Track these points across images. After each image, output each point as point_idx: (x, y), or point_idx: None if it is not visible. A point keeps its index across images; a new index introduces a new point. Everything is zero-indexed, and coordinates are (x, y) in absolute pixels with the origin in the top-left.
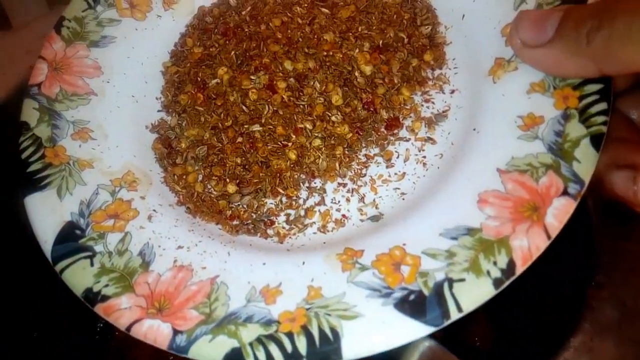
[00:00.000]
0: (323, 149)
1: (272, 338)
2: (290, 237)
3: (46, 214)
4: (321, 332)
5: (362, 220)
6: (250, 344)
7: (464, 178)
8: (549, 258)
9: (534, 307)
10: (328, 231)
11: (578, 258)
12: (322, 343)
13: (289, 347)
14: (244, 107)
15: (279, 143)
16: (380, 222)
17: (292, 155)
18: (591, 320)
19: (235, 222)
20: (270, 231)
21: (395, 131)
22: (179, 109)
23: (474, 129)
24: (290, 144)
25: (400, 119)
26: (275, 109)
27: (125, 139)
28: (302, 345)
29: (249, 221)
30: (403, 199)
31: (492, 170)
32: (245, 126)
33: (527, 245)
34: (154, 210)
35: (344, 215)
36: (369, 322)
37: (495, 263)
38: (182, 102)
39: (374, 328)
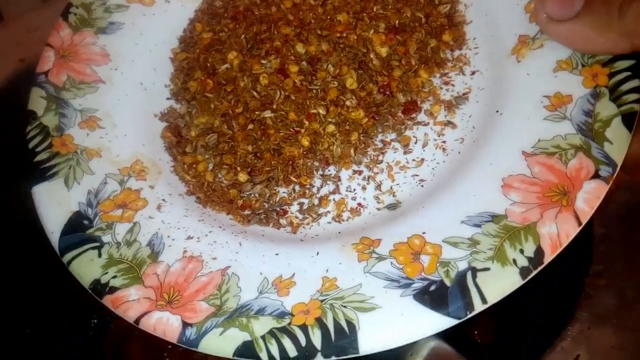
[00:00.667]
0: (337, 135)
1: (285, 331)
2: (303, 227)
3: (53, 204)
4: (337, 325)
5: (378, 209)
6: (263, 337)
7: (487, 162)
8: None
9: (531, 297)
10: (343, 220)
11: (576, 247)
12: (338, 336)
13: (303, 341)
14: (254, 93)
15: (291, 129)
16: (398, 210)
17: (305, 142)
18: (589, 309)
19: (246, 212)
20: (282, 221)
21: (413, 115)
22: (189, 96)
23: (497, 111)
24: (303, 130)
25: (419, 103)
26: (287, 94)
27: (133, 128)
28: (316, 338)
29: (261, 211)
30: (422, 186)
31: (517, 154)
32: (257, 112)
33: (557, 232)
34: (163, 200)
35: (359, 204)
36: (386, 314)
37: (522, 251)
38: (191, 89)
39: (392, 320)
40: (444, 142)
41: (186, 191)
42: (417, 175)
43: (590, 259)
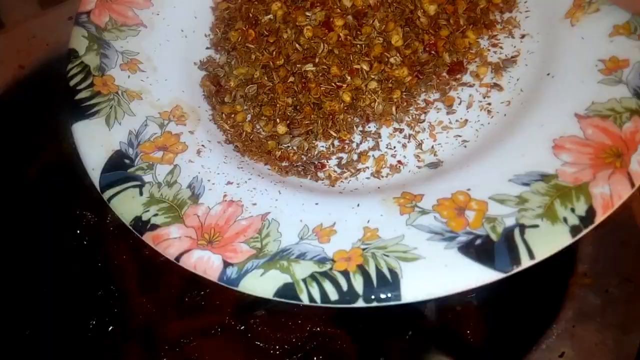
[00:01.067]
0: (379, 92)
1: (327, 275)
2: (341, 181)
3: (94, 142)
4: (379, 272)
5: (419, 167)
6: (304, 280)
7: (537, 124)
8: None
9: (518, 296)
10: (382, 177)
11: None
12: (380, 283)
13: (344, 286)
14: (297, 45)
15: (333, 84)
16: (440, 169)
17: (346, 97)
18: (573, 308)
19: (284, 164)
20: (320, 174)
21: (458, 76)
22: (229, 47)
23: (548, 74)
24: (344, 85)
25: (465, 64)
26: (330, 48)
27: (174, 74)
28: (358, 284)
29: (299, 163)
30: (465, 147)
31: (569, 116)
32: (298, 65)
33: (609, 193)
34: (203, 146)
35: (399, 162)
36: (430, 265)
37: (573, 210)
38: (232, 39)
39: (436, 271)
40: (489, 104)
41: (224, 139)
42: (459, 136)
43: (576, 259)
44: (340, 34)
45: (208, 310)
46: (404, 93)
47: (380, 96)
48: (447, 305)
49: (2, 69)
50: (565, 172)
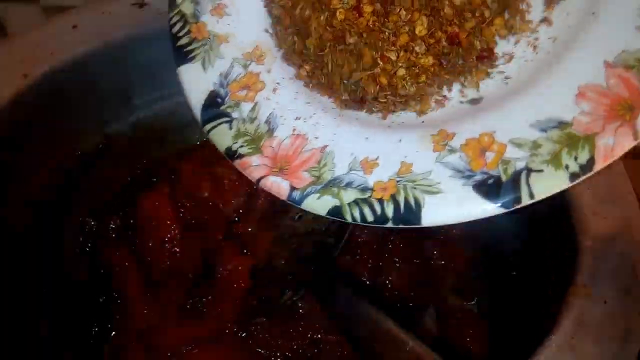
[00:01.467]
0: (407, 77)
1: (366, 202)
2: (391, 114)
3: (195, 83)
4: (406, 202)
5: (461, 102)
6: (349, 204)
7: (570, 67)
8: (530, 259)
9: (516, 306)
10: (428, 111)
11: (563, 258)
12: (406, 210)
13: (378, 210)
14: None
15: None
16: (478, 106)
17: (383, 80)
18: (572, 319)
19: (344, 97)
20: (374, 107)
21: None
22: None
23: (593, 13)
24: (378, 69)
25: (494, 49)
26: (360, 31)
27: (252, 14)
28: (389, 210)
29: (357, 97)
30: (506, 84)
31: (599, 62)
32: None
33: (612, 144)
34: (277, 83)
35: (444, 96)
36: (447, 198)
37: (576, 158)
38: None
39: (451, 204)
40: (536, 39)
41: (295, 74)
42: (503, 72)
43: (577, 270)
44: (369, 20)
45: (209, 317)
46: (429, 79)
47: (409, 81)
48: (447, 315)
49: (6, 78)
50: (580, 121)
